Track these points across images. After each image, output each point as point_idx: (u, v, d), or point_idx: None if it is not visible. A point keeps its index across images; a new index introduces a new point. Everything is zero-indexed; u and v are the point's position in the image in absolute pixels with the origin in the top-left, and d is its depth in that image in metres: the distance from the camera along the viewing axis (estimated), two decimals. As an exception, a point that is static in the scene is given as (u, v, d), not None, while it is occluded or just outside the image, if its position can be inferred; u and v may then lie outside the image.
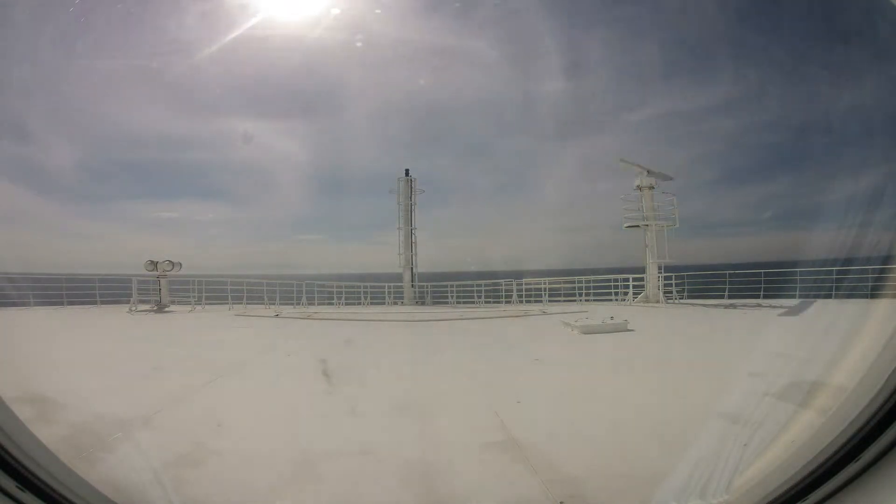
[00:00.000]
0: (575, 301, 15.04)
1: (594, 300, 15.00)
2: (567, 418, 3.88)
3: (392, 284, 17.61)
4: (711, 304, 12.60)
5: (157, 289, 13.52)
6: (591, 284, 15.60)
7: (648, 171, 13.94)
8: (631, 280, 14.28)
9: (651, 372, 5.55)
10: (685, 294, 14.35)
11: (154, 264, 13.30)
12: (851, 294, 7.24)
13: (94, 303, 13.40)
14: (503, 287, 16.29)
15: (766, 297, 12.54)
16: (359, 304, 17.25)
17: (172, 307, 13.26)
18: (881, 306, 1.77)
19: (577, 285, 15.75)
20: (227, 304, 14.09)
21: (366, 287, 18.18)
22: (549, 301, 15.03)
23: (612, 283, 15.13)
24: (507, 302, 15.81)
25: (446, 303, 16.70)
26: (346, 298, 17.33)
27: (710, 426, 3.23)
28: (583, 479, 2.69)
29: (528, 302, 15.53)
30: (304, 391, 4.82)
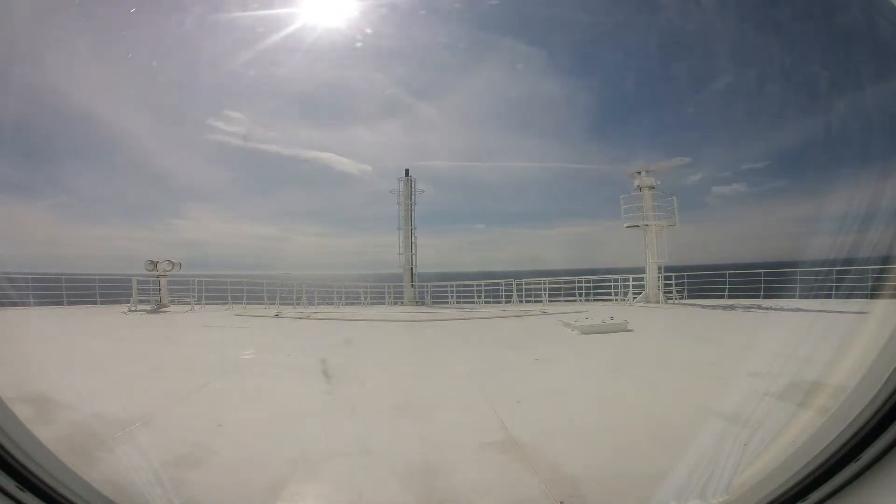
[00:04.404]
0: (575, 301, 15.04)
1: (594, 300, 15.01)
2: (567, 418, 3.88)
3: (392, 284, 17.61)
4: (711, 305, 12.60)
5: (156, 289, 13.55)
6: (591, 284, 15.60)
7: (646, 171, 13.93)
8: (631, 280, 14.28)
9: (651, 372, 5.55)
10: (685, 294, 14.35)
11: (154, 264, 13.32)
12: (851, 294, 7.24)
13: (94, 303, 13.41)
14: (503, 287, 16.30)
15: (766, 297, 12.54)
16: (358, 304, 17.26)
17: (172, 307, 13.27)
18: (881, 306, 1.77)
19: (577, 285, 15.75)
20: (227, 303, 14.09)
21: (365, 287, 18.20)
22: (549, 301, 15.03)
23: (612, 283, 15.14)
24: (506, 302, 15.81)
25: (446, 303, 16.71)
26: (346, 298, 17.35)
27: (710, 426, 3.23)
28: (583, 479, 2.69)
29: (527, 302, 15.53)
30: (304, 391, 4.82)
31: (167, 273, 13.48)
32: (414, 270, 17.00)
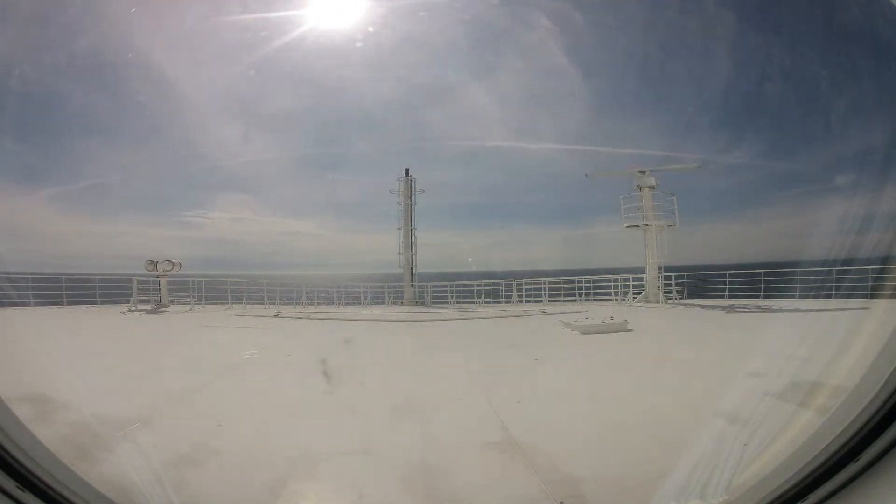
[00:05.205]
0: (575, 301, 15.04)
1: (594, 300, 15.00)
2: (567, 418, 3.88)
3: (392, 284, 17.61)
4: (711, 305, 12.60)
5: (156, 289, 13.55)
6: (591, 284, 15.60)
7: (644, 171, 13.91)
8: (631, 280, 14.28)
9: (651, 372, 5.55)
10: (685, 294, 14.34)
11: (154, 264, 13.32)
12: (851, 294, 7.24)
13: (94, 303, 13.41)
14: (503, 287, 16.30)
15: (766, 297, 12.53)
16: (358, 304, 17.26)
17: (172, 307, 13.27)
18: (881, 306, 1.77)
19: (577, 285, 15.74)
20: (227, 303, 14.09)
21: (365, 287, 18.21)
22: (549, 301, 15.03)
23: (612, 283, 15.13)
24: (506, 302, 15.81)
25: (446, 303, 16.71)
26: (346, 298, 17.36)
27: (710, 426, 3.23)
28: (583, 479, 2.69)
29: (527, 302, 15.53)
30: (304, 391, 4.82)
31: (167, 273, 13.48)
32: (414, 270, 17.00)
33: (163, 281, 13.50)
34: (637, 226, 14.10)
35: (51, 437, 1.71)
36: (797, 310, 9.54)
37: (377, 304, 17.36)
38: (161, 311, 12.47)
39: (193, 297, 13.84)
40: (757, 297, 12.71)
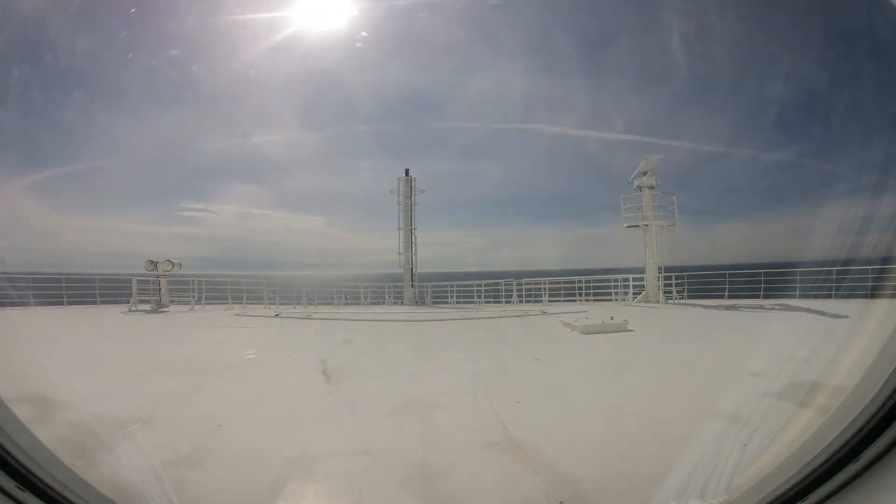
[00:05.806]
0: (575, 301, 15.04)
1: (594, 300, 15.00)
2: (567, 418, 3.88)
3: (392, 284, 17.61)
4: (711, 305, 12.60)
5: (156, 289, 13.56)
6: (591, 284, 15.59)
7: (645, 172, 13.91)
8: (631, 280, 14.28)
9: (651, 372, 5.55)
10: (685, 294, 14.33)
11: (154, 264, 13.33)
12: (851, 294, 7.24)
13: (94, 303, 13.41)
14: (503, 287, 16.29)
15: (766, 297, 12.53)
16: (358, 304, 17.27)
17: (172, 307, 13.27)
18: (881, 306, 1.77)
19: (577, 285, 15.74)
20: (227, 303, 14.10)
21: (365, 287, 18.22)
22: (549, 301, 15.03)
23: (612, 283, 15.13)
24: (507, 302, 15.81)
25: (446, 303, 16.70)
26: (346, 299, 17.37)
27: (710, 426, 3.23)
28: (583, 479, 2.69)
29: (527, 302, 15.53)
30: (304, 391, 4.82)
31: (167, 273, 13.49)
32: (414, 270, 16.99)
33: (163, 281, 13.51)
34: (637, 226, 14.10)
35: (51, 437, 1.72)
36: (797, 309, 9.54)
37: (377, 304, 17.37)
38: (161, 312, 12.47)
39: (193, 297, 13.85)
40: (757, 297, 12.72)
